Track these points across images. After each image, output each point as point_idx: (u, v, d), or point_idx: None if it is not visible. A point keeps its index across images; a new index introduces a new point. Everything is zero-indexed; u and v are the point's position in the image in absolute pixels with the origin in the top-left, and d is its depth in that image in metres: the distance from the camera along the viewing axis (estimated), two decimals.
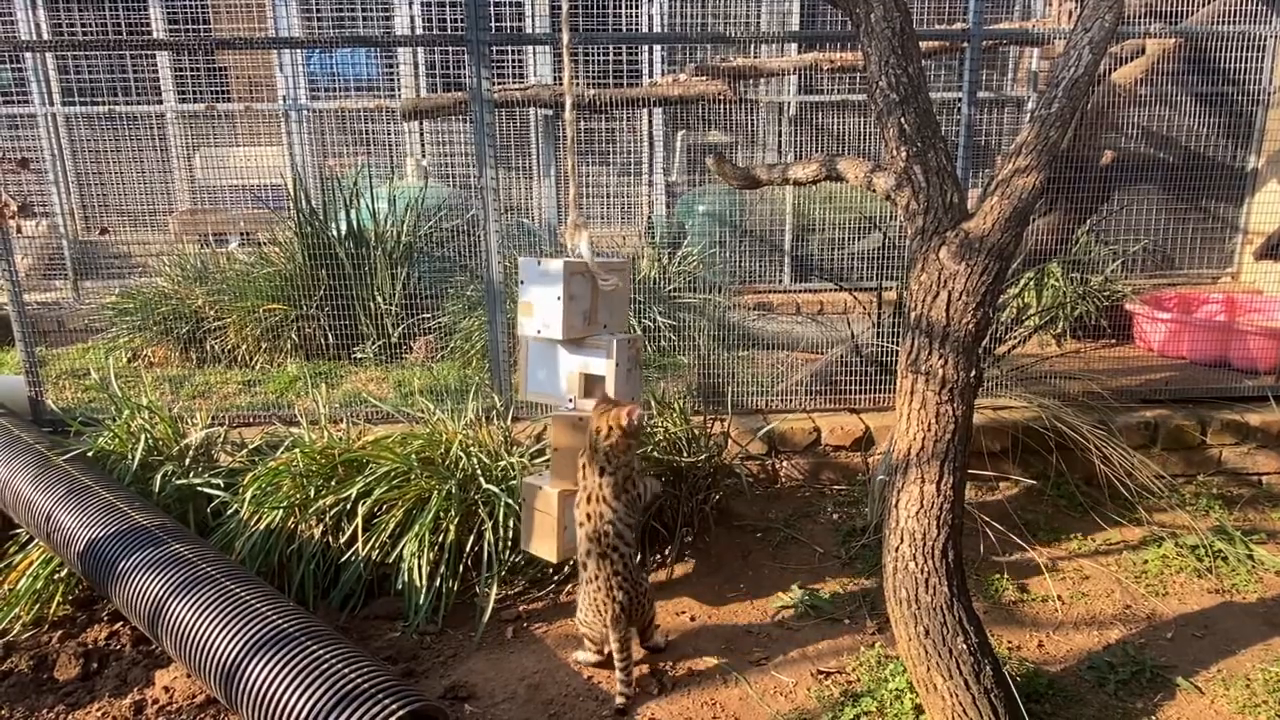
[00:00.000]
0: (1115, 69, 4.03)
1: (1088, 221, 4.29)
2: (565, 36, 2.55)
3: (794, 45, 6.01)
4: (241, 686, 1.96)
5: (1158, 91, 4.09)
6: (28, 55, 5.81)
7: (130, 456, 2.96)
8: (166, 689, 2.32)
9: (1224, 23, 3.79)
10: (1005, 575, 2.88)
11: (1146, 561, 2.98)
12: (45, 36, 5.95)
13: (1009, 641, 2.53)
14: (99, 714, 2.24)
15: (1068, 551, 3.07)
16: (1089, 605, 2.73)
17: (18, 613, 2.59)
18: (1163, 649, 2.50)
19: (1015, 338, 3.81)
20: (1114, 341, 4.72)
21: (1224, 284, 5.19)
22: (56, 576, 2.67)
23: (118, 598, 2.36)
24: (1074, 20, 1.93)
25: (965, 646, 1.93)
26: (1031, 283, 4.75)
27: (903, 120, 1.95)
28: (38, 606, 2.63)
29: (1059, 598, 2.76)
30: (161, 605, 2.19)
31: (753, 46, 5.89)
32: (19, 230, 3.42)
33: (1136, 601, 2.75)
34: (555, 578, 2.81)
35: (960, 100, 3.54)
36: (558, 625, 2.62)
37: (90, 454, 2.98)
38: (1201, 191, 4.60)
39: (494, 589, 2.66)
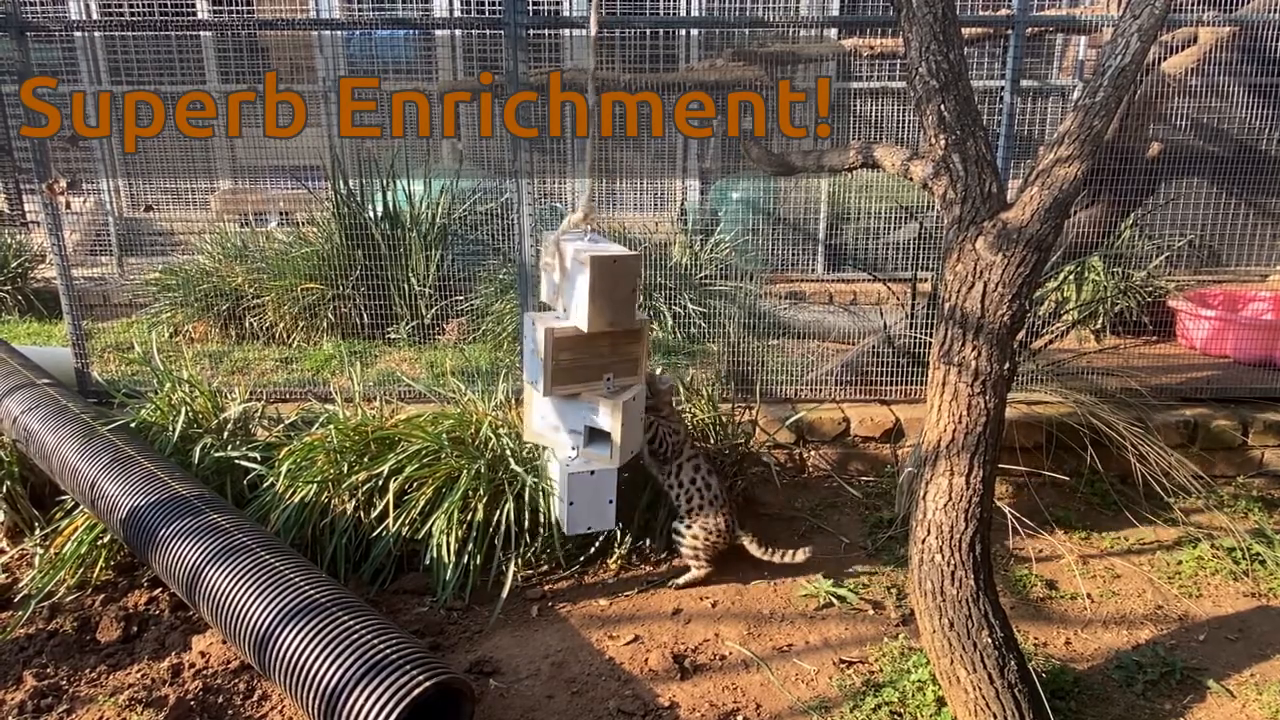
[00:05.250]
0: (1165, 58, 3.92)
1: (1132, 215, 4.19)
2: (592, 20, 2.55)
3: (833, 30, 5.92)
4: (275, 653, 2.01)
5: (1209, 82, 3.96)
6: (77, 34, 5.94)
7: (171, 428, 3.04)
8: (203, 654, 2.39)
9: None
10: (1034, 571, 2.85)
11: (1181, 562, 2.92)
12: (94, 16, 6.09)
13: (1035, 638, 2.51)
14: (138, 675, 2.32)
15: (1099, 550, 3.03)
16: (1119, 604, 2.70)
17: (63, 576, 2.68)
18: (1194, 651, 2.46)
19: (1052, 332, 3.74)
20: (1155, 339, 4.61)
21: (1273, 282, 5.03)
22: (100, 542, 2.75)
23: (157, 564, 2.43)
24: (1123, 7, 1.88)
25: (990, 640, 1.92)
26: (1071, 276, 4.65)
27: (942, 107, 1.92)
28: (82, 570, 2.72)
29: (1088, 595, 2.72)
30: (199, 572, 2.26)
31: (791, 31, 5.82)
32: (67, 206, 3.52)
33: (1169, 602, 2.71)
34: (579, 558, 2.84)
35: (1003, 89, 3.47)
36: (581, 605, 2.65)
37: (133, 425, 3.06)
38: (1253, 186, 4.46)
39: (520, 568, 2.70)
